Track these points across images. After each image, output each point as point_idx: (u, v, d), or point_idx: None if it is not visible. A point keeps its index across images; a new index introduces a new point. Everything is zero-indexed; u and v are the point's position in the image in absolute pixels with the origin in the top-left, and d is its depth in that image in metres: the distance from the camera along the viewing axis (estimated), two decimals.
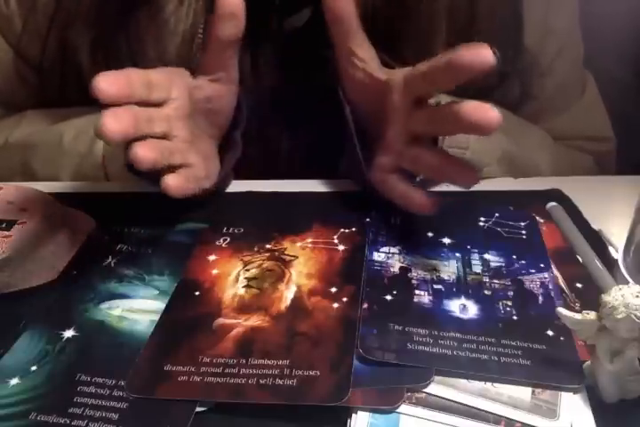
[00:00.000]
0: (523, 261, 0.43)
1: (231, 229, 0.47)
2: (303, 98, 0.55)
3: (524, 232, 0.46)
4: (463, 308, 0.39)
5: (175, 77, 0.45)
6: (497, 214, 0.47)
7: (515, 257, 0.43)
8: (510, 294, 0.40)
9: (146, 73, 0.42)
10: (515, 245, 0.45)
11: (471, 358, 0.35)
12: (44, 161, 0.55)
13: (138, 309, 0.41)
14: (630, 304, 0.30)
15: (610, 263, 0.42)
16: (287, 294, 0.41)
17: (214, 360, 0.36)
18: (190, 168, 0.45)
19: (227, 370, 0.35)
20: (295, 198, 0.52)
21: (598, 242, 0.45)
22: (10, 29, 0.56)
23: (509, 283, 0.41)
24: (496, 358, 0.35)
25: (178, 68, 0.46)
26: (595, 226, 0.47)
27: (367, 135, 0.48)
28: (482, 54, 0.37)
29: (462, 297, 0.40)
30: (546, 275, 0.42)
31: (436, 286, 0.41)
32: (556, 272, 0.42)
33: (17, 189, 0.47)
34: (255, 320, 0.39)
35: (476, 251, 0.44)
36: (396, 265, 0.43)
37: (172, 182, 0.41)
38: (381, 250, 0.44)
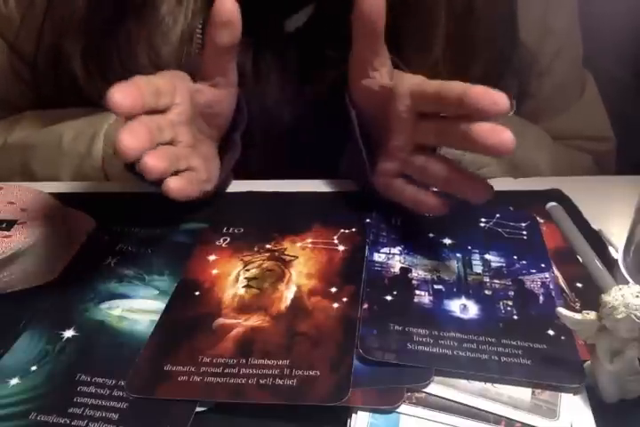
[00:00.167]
0: (523, 262, 0.43)
1: (231, 229, 0.47)
2: (305, 98, 0.55)
3: (524, 233, 0.46)
4: (464, 308, 0.39)
5: (177, 82, 0.44)
6: (498, 215, 0.47)
7: (515, 257, 0.43)
8: (511, 293, 0.40)
9: (152, 80, 0.42)
10: (515, 245, 0.45)
11: (471, 358, 0.35)
12: (44, 162, 0.55)
13: (138, 309, 0.41)
14: (630, 304, 0.30)
15: (610, 263, 0.42)
16: (287, 294, 0.41)
17: (214, 360, 0.36)
18: (193, 171, 0.45)
19: (227, 370, 0.35)
20: (295, 198, 0.52)
21: (598, 242, 0.45)
22: (7, 27, 0.56)
23: (510, 283, 0.41)
24: (496, 358, 0.35)
25: (178, 72, 0.46)
26: (595, 226, 0.47)
27: (371, 139, 0.48)
28: (499, 103, 0.37)
29: (463, 297, 0.40)
30: (546, 275, 0.42)
31: (436, 287, 0.41)
32: (556, 272, 0.42)
33: (17, 189, 0.47)
34: (255, 320, 0.39)
35: (477, 251, 0.44)
36: (396, 266, 0.43)
37: (174, 185, 0.41)
38: (382, 251, 0.44)
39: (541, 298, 0.40)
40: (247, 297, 0.41)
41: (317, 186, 0.53)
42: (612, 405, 0.34)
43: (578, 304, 0.40)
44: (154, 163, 0.38)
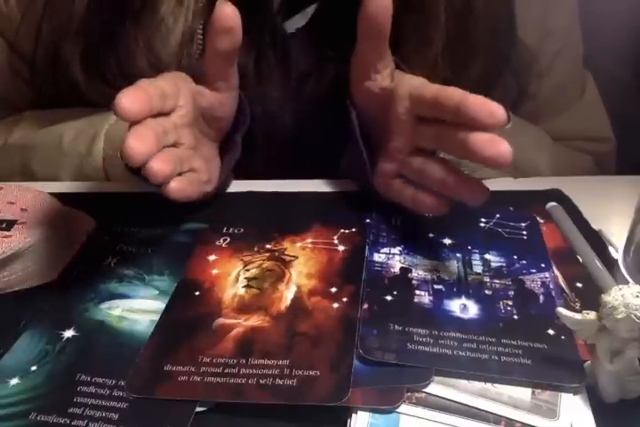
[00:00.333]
0: (523, 261, 0.43)
1: (231, 229, 0.47)
2: (306, 99, 0.55)
3: (524, 233, 0.46)
4: (464, 308, 0.39)
5: (180, 83, 0.44)
6: (498, 215, 0.47)
7: (515, 257, 0.43)
8: (511, 293, 0.40)
9: (157, 83, 0.41)
10: (515, 245, 0.45)
11: (472, 358, 0.35)
12: (44, 162, 0.55)
13: (138, 309, 0.41)
14: (630, 304, 0.30)
15: (610, 263, 0.42)
16: (287, 294, 0.41)
17: (214, 360, 0.36)
18: (194, 173, 0.45)
19: (227, 370, 0.35)
20: (295, 198, 0.52)
21: (598, 242, 0.45)
22: (7, 26, 0.56)
23: (510, 283, 0.41)
24: (496, 358, 0.35)
25: (180, 73, 0.46)
26: (595, 226, 0.47)
27: (371, 139, 0.48)
28: (496, 115, 0.36)
29: (463, 297, 0.40)
30: (547, 274, 0.42)
31: (436, 287, 0.41)
32: (556, 272, 0.42)
33: (17, 189, 0.47)
34: (255, 320, 0.39)
35: (477, 251, 0.44)
36: (396, 266, 0.43)
37: (174, 186, 0.41)
38: (382, 251, 0.44)
39: (541, 298, 0.40)
40: (247, 297, 0.41)
41: (317, 186, 0.53)
42: (612, 405, 0.34)
43: (578, 304, 0.40)
44: (159, 167, 0.38)
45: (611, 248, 0.44)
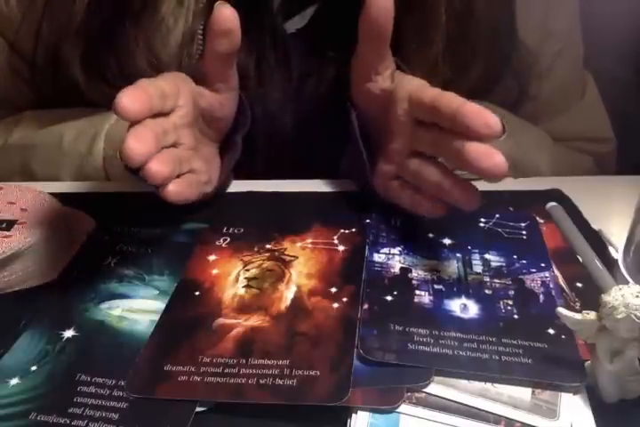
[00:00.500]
0: (523, 261, 0.43)
1: (231, 229, 0.47)
2: (306, 100, 0.55)
3: (524, 233, 0.46)
4: (464, 307, 0.39)
5: (180, 84, 0.44)
6: (497, 215, 0.47)
7: (515, 257, 0.43)
8: (511, 293, 0.40)
9: (158, 83, 0.41)
10: (515, 245, 0.45)
11: (472, 358, 0.35)
12: (44, 162, 0.55)
13: (138, 309, 0.41)
14: (630, 304, 0.30)
15: (610, 263, 0.42)
16: (287, 294, 0.41)
17: (214, 360, 0.36)
18: (193, 174, 0.44)
19: (227, 370, 0.35)
20: (295, 198, 0.52)
21: (598, 242, 0.45)
22: (7, 26, 0.56)
23: (510, 282, 0.41)
24: (497, 357, 0.35)
25: (180, 73, 0.46)
26: (595, 226, 0.46)
27: (371, 140, 0.48)
28: (491, 125, 0.37)
29: (463, 297, 0.40)
30: (547, 274, 0.42)
31: (436, 286, 0.41)
32: (556, 272, 0.42)
33: (17, 189, 0.47)
34: (255, 320, 0.39)
35: (477, 251, 0.44)
36: (396, 266, 0.43)
37: (172, 188, 0.40)
38: (382, 251, 0.44)
39: (541, 297, 0.40)
40: (247, 297, 0.41)
41: (317, 186, 0.53)
42: (612, 405, 0.34)
43: (578, 304, 0.40)
44: (158, 168, 0.38)
45: (611, 248, 0.44)
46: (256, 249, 0.45)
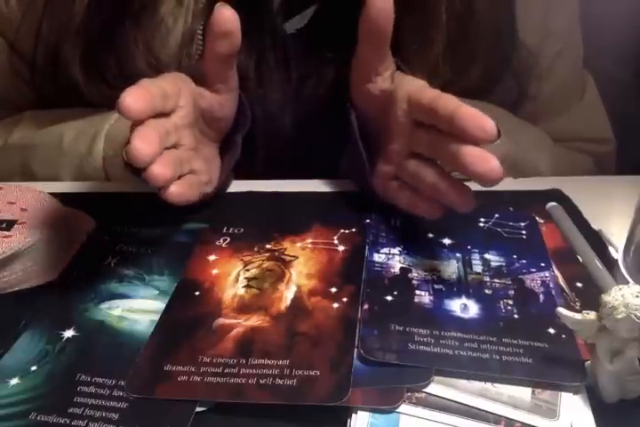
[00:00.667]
0: (523, 261, 0.43)
1: (231, 229, 0.47)
2: (306, 100, 0.55)
3: (524, 232, 0.46)
4: (464, 307, 0.39)
5: (181, 84, 0.44)
6: (497, 215, 0.47)
7: (515, 257, 0.43)
8: (511, 292, 0.40)
9: (159, 83, 0.41)
10: (515, 245, 0.45)
11: (472, 358, 0.35)
12: (44, 162, 0.55)
13: (138, 309, 0.41)
14: (630, 304, 0.30)
15: (610, 263, 0.42)
16: (287, 294, 0.41)
17: (214, 360, 0.36)
18: (194, 174, 0.44)
19: (227, 370, 0.35)
20: (295, 198, 0.52)
21: (598, 242, 0.45)
22: (7, 26, 0.55)
23: (510, 282, 0.41)
24: (497, 357, 0.35)
25: (180, 74, 0.46)
26: (595, 226, 0.46)
27: (371, 140, 0.48)
28: (486, 129, 0.37)
29: (463, 297, 0.40)
30: (546, 273, 0.42)
31: (436, 286, 0.41)
32: (556, 272, 0.42)
33: (17, 189, 0.47)
34: (255, 320, 0.39)
35: (477, 251, 0.44)
36: (396, 266, 0.43)
37: (174, 189, 0.40)
38: (382, 251, 0.44)
39: (541, 297, 0.40)
40: (247, 297, 0.41)
41: (317, 186, 0.53)
42: (612, 405, 0.34)
43: (578, 304, 0.40)
44: (160, 171, 0.38)
45: (611, 248, 0.44)
46: (256, 249, 0.45)
